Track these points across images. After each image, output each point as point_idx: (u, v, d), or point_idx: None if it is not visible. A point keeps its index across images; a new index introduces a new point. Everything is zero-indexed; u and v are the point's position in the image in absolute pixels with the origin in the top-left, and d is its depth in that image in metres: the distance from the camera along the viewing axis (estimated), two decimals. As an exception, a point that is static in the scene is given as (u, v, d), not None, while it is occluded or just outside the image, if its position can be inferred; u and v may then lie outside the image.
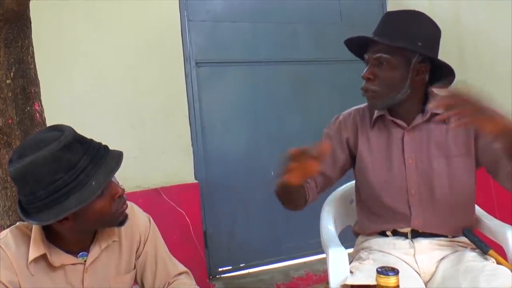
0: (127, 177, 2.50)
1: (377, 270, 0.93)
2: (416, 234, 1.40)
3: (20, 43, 1.56)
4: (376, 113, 1.43)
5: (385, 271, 0.92)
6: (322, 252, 1.48)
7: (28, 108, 1.58)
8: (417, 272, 1.37)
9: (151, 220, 1.31)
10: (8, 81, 1.53)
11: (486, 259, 1.32)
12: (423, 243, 1.38)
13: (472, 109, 1.06)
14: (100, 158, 1.06)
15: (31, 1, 1.57)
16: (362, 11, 3.42)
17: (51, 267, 1.12)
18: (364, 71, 1.36)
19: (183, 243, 2.74)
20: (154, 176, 2.82)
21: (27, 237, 1.11)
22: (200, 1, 3.07)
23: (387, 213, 1.42)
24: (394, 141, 1.41)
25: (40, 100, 1.65)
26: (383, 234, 1.46)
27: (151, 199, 2.69)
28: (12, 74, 1.54)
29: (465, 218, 1.41)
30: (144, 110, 2.84)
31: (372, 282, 1.01)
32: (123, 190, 1.13)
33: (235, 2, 3.18)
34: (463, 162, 1.36)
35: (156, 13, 2.87)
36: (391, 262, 1.33)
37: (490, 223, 1.48)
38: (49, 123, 1.59)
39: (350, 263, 1.38)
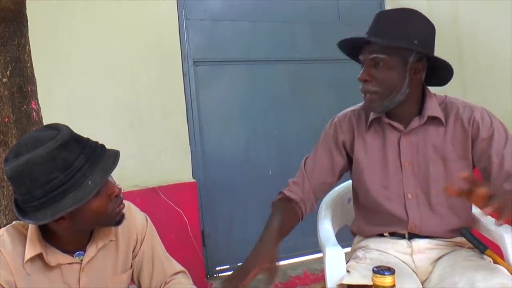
0: (125, 176, 2.51)
1: (373, 270, 0.93)
2: (413, 235, 1.40)
3: (16, 42, 1.56)
4: (372, 115, 1.41)
5: (381, 270, 0.92)
6: (320, 251, 1.47)
7: (25, 106, 1.58)
8: (414, 272, 1.37)
9: (148, 220, 1.31)
10: (4, 80, 1.53)
11: (483, 258, 1.32)
12: (420, 243, 1.38)
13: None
14: (96, 158, 1.06)
15: (27, 0, 1.57)
16: (360, 10, 3.43)
17: (48, 266, 1.12)
18: (360, 73, 1.33)
19: (180, 242, 2.74)
20: (152, 175, 2.82)
21: (23, 236, 1.11)
22: (198, 0, 3.07)
23: (384, 217, 1.41)
24: (390, 144, 1.39)
25: (36, 99, 1.65)
26: (380, 234, 1.46)
27: (149, 198, 2.69)
28: (8, 72, 1.54)
29: (462, 221, 1.40)
30: (142, 109, 2.83)
31: (369, 281, 1.02)
32: (120, 189, 1.13)
33: (233, 1, 3.18)
34: (460, 166, 1.34)
35: (153, 12, 2.86)
36: (388, 261, 1.33)
37: (487, 223, 1.48)
38: (45, 121, 1.59)
39: (347, 262, 1.37)
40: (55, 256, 1.12)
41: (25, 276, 1.09)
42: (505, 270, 1.23)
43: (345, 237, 1.61)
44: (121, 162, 1.10)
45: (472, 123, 1.32)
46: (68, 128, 1.07)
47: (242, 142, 3.19)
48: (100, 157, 1.07)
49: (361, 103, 1.48)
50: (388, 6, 3.52)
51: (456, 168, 1.34)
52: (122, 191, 1.14)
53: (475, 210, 1.52)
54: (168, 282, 1.27)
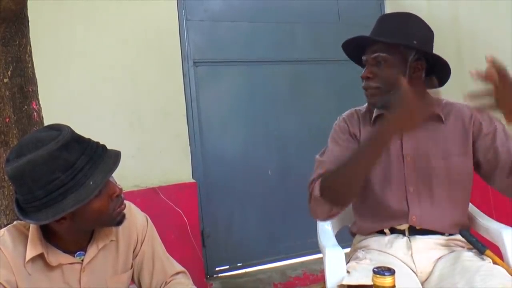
0: (125, 177, 2.51)
1: (373, 270, 0.93)
2: (413, 231, 1.41)
3: (17, 42, 1.56)
4: (375, 112, 1.45)
5: (381, 271, 0.92)
6: (319, 252, 1.48)
7: (26, 107, 1.59)
8: (414, 272, 1.37)
9: (149, 220, 1.31)
10: (5, 80, 1.53)
11: (482, 259, 1.33)
12: (420, 243, 1.39)
13: (502, 92, 1.09)
14: (97, 158, 1.06)
15: (29, 0, 1.57)
16: (360, 11, 3.42)
17: (48, 266, 1.12)
18: (363, 72, 1.40)
19: (180, 242, 2.75)
20: (152, 175, 2.82)
21: (24, 237, 1.11)
22: (198, 1, 3.07)
23: (385, 210, 1.43)
24: (393, 139, 1.42)
25: (37, 99, 1.65)
26: (380, 232, 1.47)
27: (149, 199, 2.70)
28: (9, 73, 1.54)
29: (461, 216, 1.43)
30: (142, 109, 2.84)
31: (369, 282, 1.02)
32: (121, 189, 1.13)
33: (233, 2, 3.19)
34: (461, 162, 1.39)
35: (154, 13, 2.87)
36: (388, 261, 1.33)
37: (487, 224, 1.49)
38: (46, 122, 1.60)
39: (347, 263, 1.38)
40: (56, 256, 1.13)
41: (26, 276, 1.10)
42: (505, 271, 1.24)
43: (344, 237, 1.61)
44: (121, 162, 1.10)
45: (474, 121, 1.38)
46: (70, 128, 1.07)
47: (242, 143, 3.19)
48: (101, 158, 1.07)
49: (365, 105, 1.51)
50: (388, 6, 3.52)
51: (457, 163, 1.39)
52: (122, 192, 1.15)
53: (473, 209, 1.54)
54: (169, 282, 1.27)
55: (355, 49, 1.45)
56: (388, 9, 3.49)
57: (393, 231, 1.44)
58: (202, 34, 3.08)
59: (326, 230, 1.53)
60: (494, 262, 1.31)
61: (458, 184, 1.40)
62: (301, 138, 3.23)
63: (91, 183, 1.03)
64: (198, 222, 2.93)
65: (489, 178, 1.37)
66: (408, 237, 1.41)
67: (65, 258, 1.14)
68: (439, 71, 1.42)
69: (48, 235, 1.13)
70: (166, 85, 2.91)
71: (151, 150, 2.85)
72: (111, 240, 1.21)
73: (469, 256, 1.33)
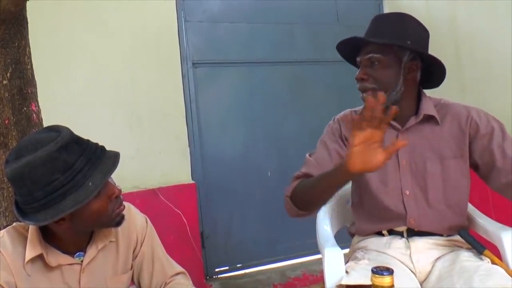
0: (124, 178, 2.51)
1: (372, 270, 0.93)
2: (412, 233, 1.41)
3: (17, 44, 1.56)
4: None
5: (380, 271, 0.92)
6: (319, 252, 1.48)
7: (25, 108, 1.59)
8: (413, 272, 1.37)
9: (148, 221, 1.31)
10: (4, 82, 1.53)
11: (481, 259, 1.33)
12: (419, 243, 1.39)
13: None
14: (96, 159, 1.06)
15: (28, 2, 1.57)
16: (359, 11, 3.44)
17: (48, 267, 1.12)
18: (357, 73, 1.40)
19: (180, 243, 2.75)
20: (151, 176, 2.82)
21: (23, 238, 1.12)
22: (197, 2, 3.08)
23: (383, 212, 1.43)
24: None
25: (37, 101, 1.65)
26: (379, 233, 1.47)
27: (148, 200, 2.70)
28: (8, 74, 1.54)
29: (459, 218, 1.42)
30: (141, 110, 2.84)
31: (367, 282, 1.02)
32: (120, 190, 1.13)
33: (232, 3, 3.19)
34: (457, 164, 1.38)
35: (152, 14, 2.87)
36: (387, 261, 1.33)
37: (485, 224, 1.49)
38: (46, 123, 1.60)
39: (346, 263, 1.38)
40: (56, 257, 1.13)
41: (26, 277, 1.10)
42: (503, 271, 1.24)
43: (344, 238, 1.62)
44: (120, 163, 1.10)
45: (470, 122, 1.37)
46: (69, 129, 1.08)
47: (241, 144, 3.19)
48: (100, 159, 1.07)
49: (362, 106, 1.50)
50: (386, 7, 3.53)
51: (453, 165, 1.38)
52: (122, 193, 1.15)
53: (472, 210, 1.54)
54: (168, 283, 1.27)
55: (352, 50, 1.44)
56: (387, 10, 3.50)
57: (391, 232, 1.45)
58: (201, 35, 3.09)
59: (325, 230, 1.54)
60: (493, 262, 1.32)
61: (455, 187, 1.39)
62: (301, 139, 3.23)
63: (90, 184, 1.03)
64: (198, 223, 2.93)
65: (487, 179, 1.36)
66: (407, 238, 1.41)
67: (64, 258, 1.14)
68: (435, 71, 1.41)
69: (48, 236, 1.13)
70: (165, 86, 2.91)
71: (150, 151, 2.85)
72: (111, 241, 1.21)
73: (467, 256, 1.33)
